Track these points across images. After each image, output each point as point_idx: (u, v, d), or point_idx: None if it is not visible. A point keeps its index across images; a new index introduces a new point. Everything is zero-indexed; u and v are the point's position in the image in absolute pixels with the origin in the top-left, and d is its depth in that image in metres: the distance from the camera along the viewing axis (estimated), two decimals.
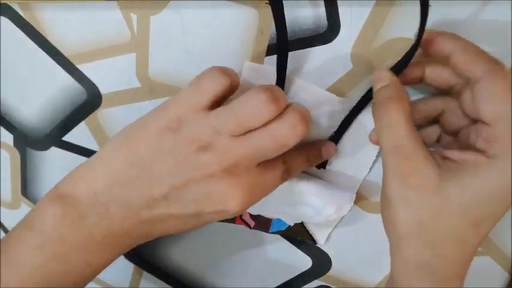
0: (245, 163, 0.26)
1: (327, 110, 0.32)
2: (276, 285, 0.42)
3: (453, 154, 0.24)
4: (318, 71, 0.31)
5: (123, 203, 0.26)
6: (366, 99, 0.30)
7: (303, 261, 0.40)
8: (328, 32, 0.29)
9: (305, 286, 0.41)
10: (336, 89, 0.31)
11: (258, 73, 0.31)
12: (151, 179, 0.26)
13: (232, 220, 0.38)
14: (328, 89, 0.31)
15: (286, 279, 0.41)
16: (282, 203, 0.34)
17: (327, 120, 0.32)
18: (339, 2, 0.28)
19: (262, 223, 0.38)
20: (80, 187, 0.26)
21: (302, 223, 0.36)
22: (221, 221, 0.37)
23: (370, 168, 0.33)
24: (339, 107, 0.31)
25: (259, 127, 0.25)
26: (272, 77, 0.30)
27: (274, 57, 0.30)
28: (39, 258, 0.25)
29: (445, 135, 0.28)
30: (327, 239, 0.37)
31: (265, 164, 0.27)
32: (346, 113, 0.31)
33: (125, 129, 0.27)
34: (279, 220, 0.37)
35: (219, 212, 0.26)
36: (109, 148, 0.27)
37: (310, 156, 0.31)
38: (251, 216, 0.37)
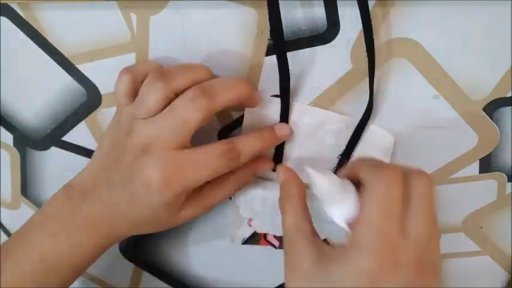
0: (158, 142, 0.28)
1: (332, 129, 0.32)
2: (276, 285, 0.42)
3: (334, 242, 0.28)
4: (318, 71, 0.31)
5: (93, 187, 0.30)
6: (368, 113, 0.31)
7: None
8: (328, 32, 0.29)
9: None
10: (336, 89, 0.31)
11: (260, 121, 0.32)
12: (107, 166, 0.30)
13: (256, 241, 0.38)
14: (328, 89, 0.31)
15: None
16: None
17: (333, 139, 0.32)
18: (338, 2, 0.28)
19: None
20: (76, 178, 0.32)
21: (326, 240, 0.36)
22: (245, 243, 0.38)
23: None
24: (343, 124, 0.32)
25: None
26: (275, 106, 0.31)
27: (274, 58, 0.30)
28: (38, 232, 0.30)
29: None
30: None
31: (199, 145, 0.29)
32: (352, 129, 0.31)
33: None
34: None
35: (148, 193, 0.28)
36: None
37: (263, 134, 0.31)
38: (275, 236, 0.38)
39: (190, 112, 0.27)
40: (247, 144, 0.30)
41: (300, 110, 0.32)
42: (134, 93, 0.29)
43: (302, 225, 0.28)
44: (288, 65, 0.29)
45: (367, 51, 0.28)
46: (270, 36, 0.29)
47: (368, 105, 0.30)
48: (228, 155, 0.29)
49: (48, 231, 0.30)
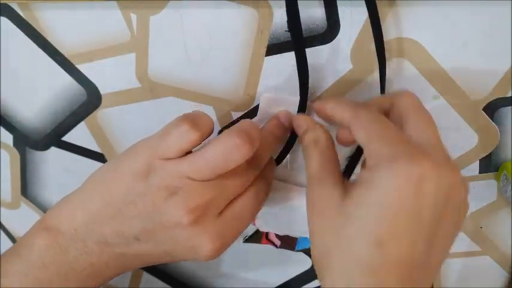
0: (212, 208, 0.26)
1: None
2: (276, 285, 0.42)
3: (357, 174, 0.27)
4: (318, 71, 0.31)
5: (100, 239, 0.27)
6: None
7: (303, 262, 0.40)
8: (328, 32, 0.29)
9: (305, 286, 0.41)
10: (336, 89, 0.31)
11: (277, 103, 0.32)
12: (122, 221, 0.27)
13: (258, 241, 0.38)
14: (328, 89, 0.31)
15: (286, 279, 0.41)
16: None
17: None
18: (338, 2, 0.28)
19: (288, 242, 0.38)
20: (63, 221, 0.28)
21: None
22: (246, 241, 0.38)
23: None
24: None
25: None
26: (291, 106, 0.31)
27: (274, 58, 0.30)
28: (24, 283, 0.27)
29: None
30: None
31: (235, 198, 0.27)
32: None
33: (101, 169, 0.29)
34: (305, 238, 0.37)
35: (191, 257, 0.27)
36: (88, 186, 0.28)
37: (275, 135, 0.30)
38: (277, 236, 0.38)
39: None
40: (267, 178, 0.30)
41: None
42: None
43: (330, 166, 0.26)
44: (306, 59, 0.29)
45: (376, 45, 0.28)
46: (288, 29, 0.28)
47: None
48: (260, 195, 0.29)
49: (37, 281, 0.27)
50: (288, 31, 0.28)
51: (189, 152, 0.27)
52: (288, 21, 0.28)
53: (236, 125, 0.27)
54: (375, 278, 0.22)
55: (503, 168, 0.32)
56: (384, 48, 0.28)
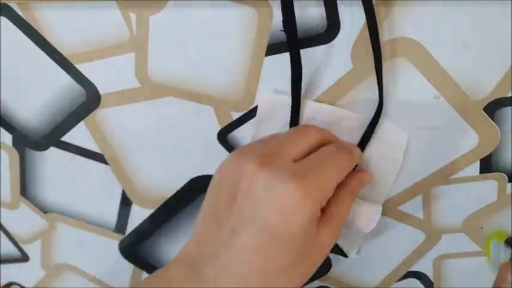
0: (278, 155, 0.26)
1: (344, 127, 0.32)
2: None
3: None
4: (318, 71, 0.31)
5: (208, 258, 0.26)
6: (379, 110, 0.31)
7: None
8: (328, 32, 0.29)
9: (305, 286, 0.41)
10: (336, 89, 0.31)
11: (273, 104, 0.32)
12: (217, 220, 0.26)
13: None
14: (328, 89, 0.31)
15: None
16: None
17: (346, 136, 0.32)
18: (338, 2, 0.28)
19: None
20: (190, 253, 0.28)
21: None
22: None
23: (394, 181, 0.33)
24: (356, 123, 0.32)
25: None
26: (286, 106, 0.31)
27: (274, 58, 0.30)
28: None
29: None
30: (357, 252, 0.36)
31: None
32: (364, 127, 0.31)
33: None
34: None
35: (284, 215, 0.24)
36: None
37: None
38: None
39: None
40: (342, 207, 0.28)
41: (313, 108, 0.31)
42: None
43: None
44: (300, 58, 0.29)
45: (372, 46, 0.28)
46: (284, 28, 0.28)
47: (379, 102, 0.30)
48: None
49: None
50: (283, 31, 0.28)
51: None
52: (283, 21, 0.28)
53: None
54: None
55: (489, 240, 0.34)
56: (380, 48, 0.28)
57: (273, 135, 0.29)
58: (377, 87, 0.30)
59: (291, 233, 0.25)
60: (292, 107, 0.31)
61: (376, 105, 0.30)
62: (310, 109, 0.32)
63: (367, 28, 0.28)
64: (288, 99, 0.31)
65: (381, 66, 0.29)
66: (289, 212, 0.24)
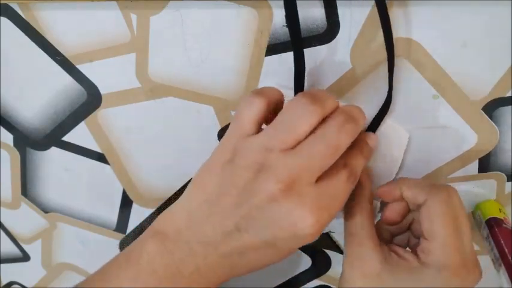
0: (304, 177, 0.25)
1: None
2: (276, 285, 0.42)
3: (398, 250, 0.29)
4: (318, 71, 0.31)
5: (202, 239, 0.27)
6: (387, 107, 0.31)
7: (303, 261, 0.40)
8: (328, 32, 0.29)
9: (305, 286, 0.41)
10: (336, 89, 0.31)
11: None
12: (221, 213, 0.26)
13: None
14: (328, 89, 0.31)
15: (286, 279, 0.42)
16: None
17: None
18: (338, 2, 0.28)
19: None
20: (168, 225, 0.28)
21: (328, 235, 0.36)
22: None
23: (395, 178, 0.33)
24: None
25: (308, 136, 0.25)
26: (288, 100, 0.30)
27: (274, 58, 0.30)
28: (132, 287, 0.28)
29: (412, 238, 0.32)
30: None
31: (326, 174, 0.26)
32: (367, 122, 0.31)
33: (198, 171, 0.29)
34: None
35: (293, 238, 0.25)
36: (189, 188, 0.29)
37: (363, 150, 0.29)
38: None
39: (342, 138, 0.25)
40: (357, 164, 0.28)
41: None
42: (263, 121, 0.27)
43: (370, 228, 0.29)
44: (303, 53, 0.29)
45: (385, 42, 0.28)
46: (286, 23, 0.28)
47: (386, 98, 0.30)
48: (350, 179, 0.27)
49: (147, 286, 0.28)
50: (286, 26, 0.28)
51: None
52: (285, 16, 0.28)
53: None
54: None
55: (477, 209, 0.34)
56: (392, 42, 0.28)
57: (293, 119, 0.26)
58: (376, 86, 0.30)
59: (294, 248, 0.28)
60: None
61: (376, 105, 0.31)
62: None
63: (366, 28, 0.28)
64: (290, 93, 0.31)
65: (393, 64, 0.29)
66: (300, 237, 0.25)
